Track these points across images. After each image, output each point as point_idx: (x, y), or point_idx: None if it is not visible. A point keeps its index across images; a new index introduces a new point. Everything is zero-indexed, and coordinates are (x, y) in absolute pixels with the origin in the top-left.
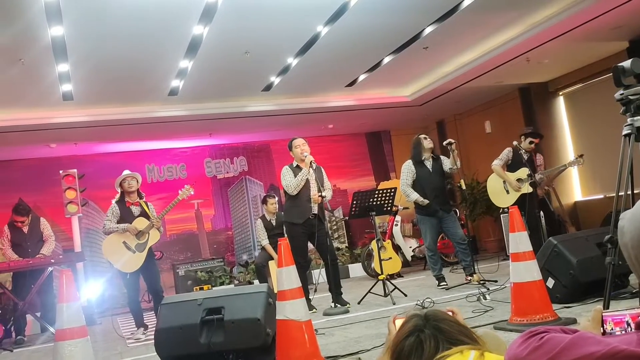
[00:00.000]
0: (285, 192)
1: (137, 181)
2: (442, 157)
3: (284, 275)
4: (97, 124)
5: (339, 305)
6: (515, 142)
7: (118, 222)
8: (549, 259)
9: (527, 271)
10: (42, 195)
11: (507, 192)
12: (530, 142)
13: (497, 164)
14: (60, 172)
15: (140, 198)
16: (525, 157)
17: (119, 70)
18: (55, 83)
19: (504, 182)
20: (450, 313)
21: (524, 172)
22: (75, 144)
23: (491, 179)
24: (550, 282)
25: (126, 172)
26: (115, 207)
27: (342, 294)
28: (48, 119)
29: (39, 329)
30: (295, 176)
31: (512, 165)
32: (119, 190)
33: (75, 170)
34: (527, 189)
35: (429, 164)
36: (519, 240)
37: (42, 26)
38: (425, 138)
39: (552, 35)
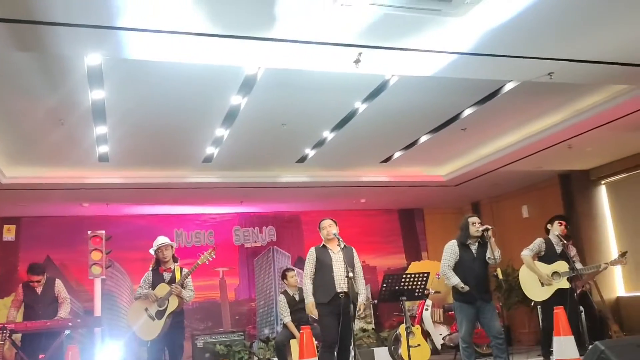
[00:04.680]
0: None
1: (172, 248)
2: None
3: None
4: (130, 187)
5: None
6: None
7: (150, 288)
8: None
9: None
10: (70, 254)
11: (542, 284)
12: (560, 224)
13: (526, 254)
14: (89, 232)
15: (175, 262)
16: (559, 249)
17: (155, 135)
18: (93, 145)
19: None
20: None
21: (561, 265)
22: (107, 204)
23: (523, 270)
24: None
25: (161, 239)
26: (149, 274)
27: None
28: (83, 179)
29: None
30: (317, 258)
31: (545, 257)
32: (154, 256)
33: (103, 231)
34: (564, 284)
35: (474, 248)
36: (564, 345)
37: (83, 90)
38: (473, 224)
39: (597, 123)
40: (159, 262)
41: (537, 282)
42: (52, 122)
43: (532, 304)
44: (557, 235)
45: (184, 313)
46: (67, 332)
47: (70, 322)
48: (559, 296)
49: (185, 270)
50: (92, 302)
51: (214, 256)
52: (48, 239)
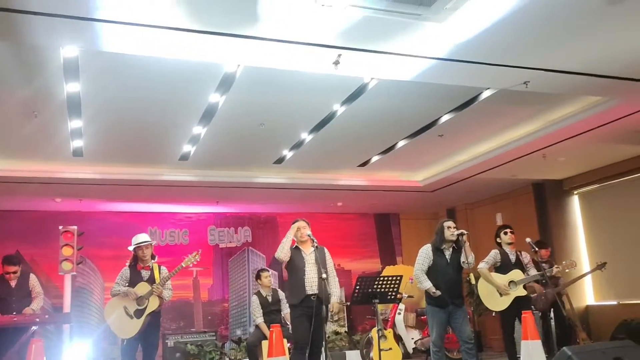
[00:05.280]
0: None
1: (151, 246)
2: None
3: None
4: (104, 182)
5: None
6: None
7: (127, 286)
8: None
9: None
10: (41, 249)
11: (500, 294)
12: (505, 234)
13: (483, 266)
14: (60, 227)
15: (153, 259)
16: (513, 258)
17: (131, 131)
18: (67, 139)
19: None
20: None
21: (517, 274)
22: (80, 200)
23: (482, 282)
24: None
25: (142, 237)
26: (126, 270)
27: None
28: (56, 174)
29: None
30: (291, 257)
31: (501, 268)
32: (132, 252)
33: (75, 227)
34: (521, 291)
35: (447, 253)
36: (532, 349)
37: (59, 83)
38: (449, 228)
39: (571, 134)
40: (136, 259)
41: (495, 292)
42: (25, 114)
43: (494, 314)
44: (506, 242)
45: (160, 312)
46: (34, 327)
47: (38, 317)
48: (518, 304)
49: (164, 270)
50: (62, 299)
51: (198, 259)
52: (18, 233)
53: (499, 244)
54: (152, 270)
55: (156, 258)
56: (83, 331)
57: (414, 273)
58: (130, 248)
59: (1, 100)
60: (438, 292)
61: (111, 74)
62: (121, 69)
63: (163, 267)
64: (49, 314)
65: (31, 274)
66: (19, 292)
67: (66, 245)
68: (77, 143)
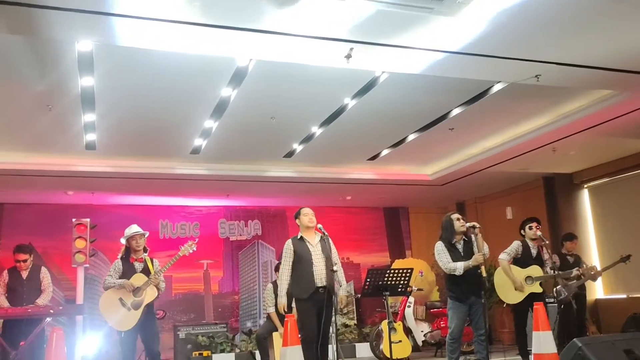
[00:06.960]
0: None
1: (144, 238)
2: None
3: (288, 356)
4: (116, 176)
5: None
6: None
7: (120, 278)
8: None
9: None
10: (53, 241)
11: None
12: (530, 228)
13: (504, 258)
14: (73, 220)
15: (145, 252)
16: (534, 252)
17: (143, 125)
18: (80, 132)
19: None
20: None
21: (535, 270)
22: (92, 193)
23: (499, 272)
24: None
25: (135, 228)
26: (119, 262)
27: None
28: (69, 167)
29: None
30: (295, 252)
31: (521, 260)
32: (124, 244)
33: (88, 219)
34: (537, 288)
35: (459, 246)
36: (542, 340)
37: (73, 77)
38: (458, 219)
39: (581, 127)
40: (129, 251)
41: (511, 285)
42: (39, 107)
43: (505, 305)
44: (530, 237)
45: (154, 302)
46: (48, 319)
47: (51, 309)
48: (531, 300)
49: (157, 263)
50: (74, 291)
51: (194, 248)
52: (31, 226)
53: (523, 236)
54: (145, 262)
55: (148, 251)
56: (95, 323)
57: (446, 268)
58: (123, 240)
59: (16, 94)
60: (471, 262)
61: (125, 68)
62: (135, 64)
63: (155, 260)
64: (63, 306)
65: (42, 267)
66: (30, 283)
67: (79, 237)
68: (90, 136)
